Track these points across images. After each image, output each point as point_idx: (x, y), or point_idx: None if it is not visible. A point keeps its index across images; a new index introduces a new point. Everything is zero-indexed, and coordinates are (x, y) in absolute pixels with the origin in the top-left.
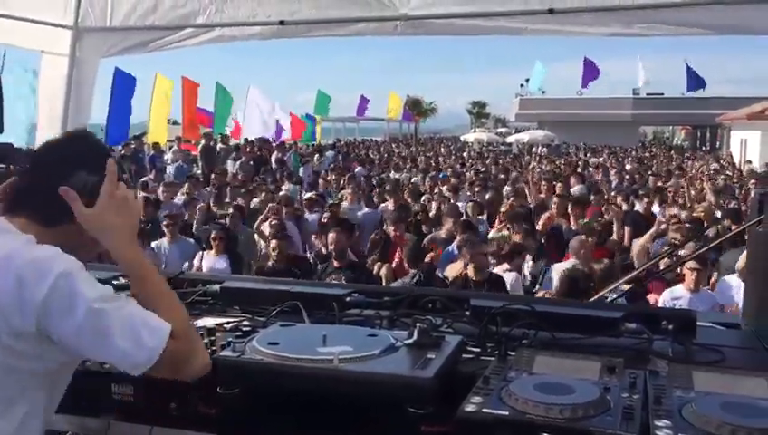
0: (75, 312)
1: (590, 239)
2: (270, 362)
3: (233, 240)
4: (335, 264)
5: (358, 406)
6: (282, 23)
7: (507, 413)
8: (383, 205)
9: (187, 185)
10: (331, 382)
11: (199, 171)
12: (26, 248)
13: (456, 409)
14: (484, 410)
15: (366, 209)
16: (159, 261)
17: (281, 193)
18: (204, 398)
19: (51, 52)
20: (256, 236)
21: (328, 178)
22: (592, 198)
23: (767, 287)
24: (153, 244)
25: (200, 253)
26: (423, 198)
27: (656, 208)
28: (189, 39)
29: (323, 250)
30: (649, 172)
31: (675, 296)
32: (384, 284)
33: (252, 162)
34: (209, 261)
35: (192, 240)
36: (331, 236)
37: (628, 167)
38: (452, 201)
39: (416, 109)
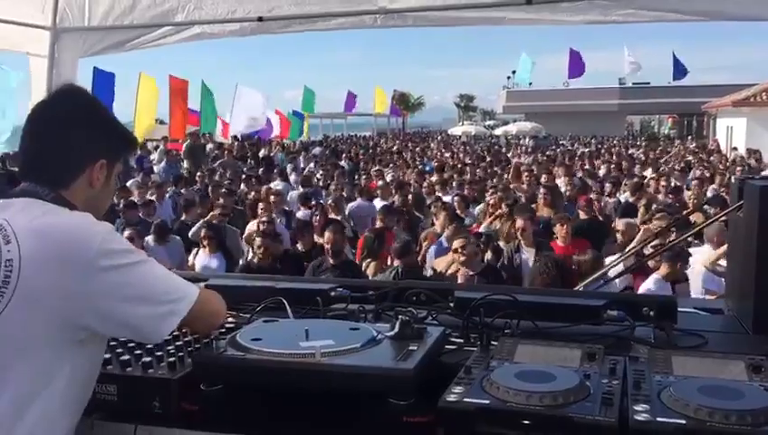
0: (129, 263)
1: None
2: (252, 358)
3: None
4: (330, 262)
5: (341, 399)
6: (260, 19)
7: (488, 402)
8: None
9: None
10: (313, 376)
11: (185, 171)
12: (63, 215)
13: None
14: (466, 399)
15: (359, 201)
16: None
17: (267, 188)
18: (187, 395)
19: (34, 54)
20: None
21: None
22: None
23: (748, 272)
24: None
25: (193, 250)
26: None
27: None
28: (168, 37)
29: (300, 248)
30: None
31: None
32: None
33: (237, 160)
34: (202, 259)
35: (178, 237)
36: (327, 235)
37: (614, 157)
38: (441, 195)
39: (403, 104)
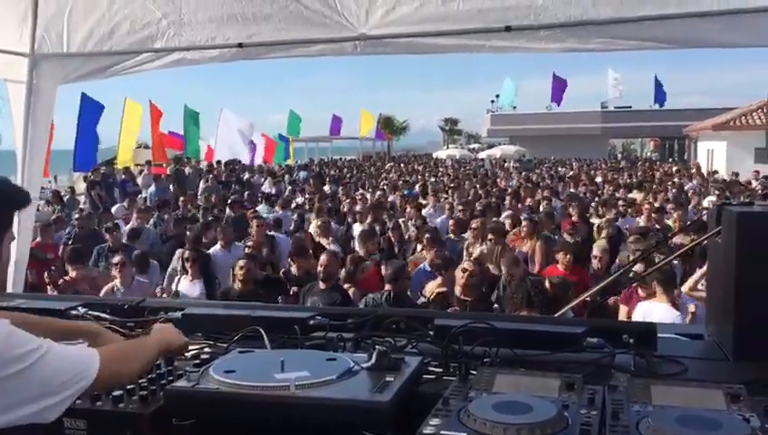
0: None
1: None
2: (225, 391)
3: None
4: (321, 286)
5: (316, 432)
6: (240, 45)
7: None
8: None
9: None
10: (287, 410)
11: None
12: None
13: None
14: (443, 431)
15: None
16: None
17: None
18: (159, 429)
19: (12, 80)
20: None
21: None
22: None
23: (727, 298)
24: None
25: (176, 277)
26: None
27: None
28: (148, 63)
29: (294, 272)
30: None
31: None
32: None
33: (219, 185)
34: (185, 286)
35: (156, 262)
36: (323, 259)
37: (598, 180)
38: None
39: (388, 127)
